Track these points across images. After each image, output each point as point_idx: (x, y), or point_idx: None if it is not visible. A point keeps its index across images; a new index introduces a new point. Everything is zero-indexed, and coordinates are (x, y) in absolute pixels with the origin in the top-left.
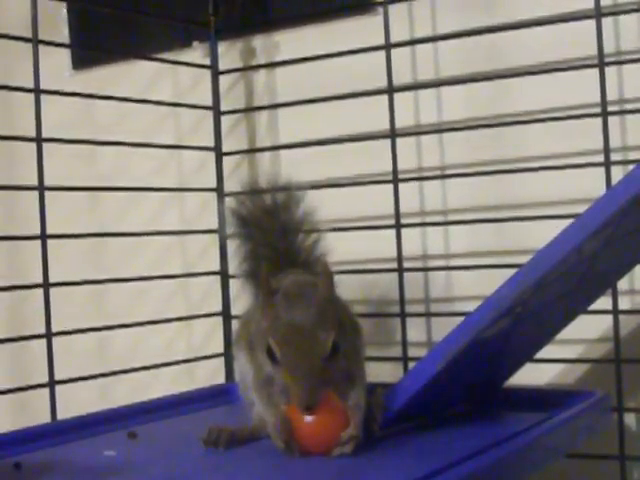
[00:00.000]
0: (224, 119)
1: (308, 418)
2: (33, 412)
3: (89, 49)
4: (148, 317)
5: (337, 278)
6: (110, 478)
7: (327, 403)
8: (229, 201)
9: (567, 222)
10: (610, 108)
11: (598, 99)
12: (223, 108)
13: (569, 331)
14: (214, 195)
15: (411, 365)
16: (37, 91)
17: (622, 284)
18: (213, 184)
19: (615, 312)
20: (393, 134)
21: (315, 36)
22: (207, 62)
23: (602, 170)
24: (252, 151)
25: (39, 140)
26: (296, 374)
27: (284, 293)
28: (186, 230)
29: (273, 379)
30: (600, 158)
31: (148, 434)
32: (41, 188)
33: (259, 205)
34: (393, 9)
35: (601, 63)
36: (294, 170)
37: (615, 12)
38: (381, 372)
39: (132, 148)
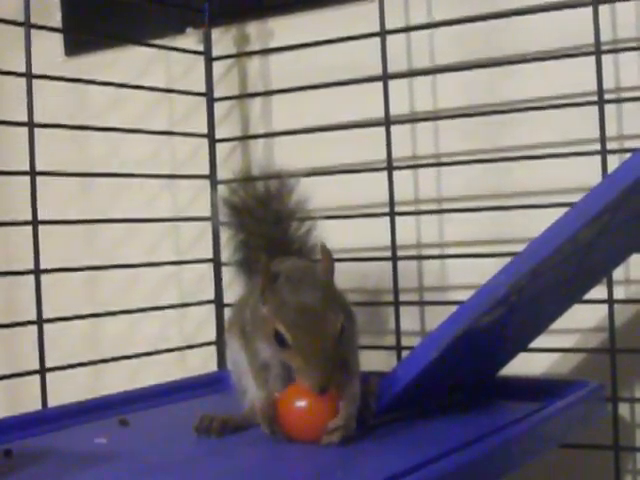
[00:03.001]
0: (217, 106)
1: (299, 404)
2: (24, 400)
3: (82, 34)
4: (140, 305)
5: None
6: (101, 465)
7: None
8: (222, 189)
9: (563, 211)
10: (607, 96)
11: (594, 87)
12: (216, 95)
13: (564, 320)
14: (207, 182)
15: (405, 354)
16: (29, 76)
17: (617, 273)
18: (206, 171)
19: (610, 301)
20: (388, 122)
21: (309, 23)
22: (200, 48)
23: (598, 159)
24: (245, 138)
25: (31, 125)
26: (309, 357)
27: (287, 277)
28: (179, 217)
29: (269, 366)
30: (596, 147)
31: (140, 422)
32: (32, 173)
33: (252, 193)
34: None
35: (598, 51)
36: (287, 157)
37: (612, 0)
38: (374, 361)
39: (124, 134)
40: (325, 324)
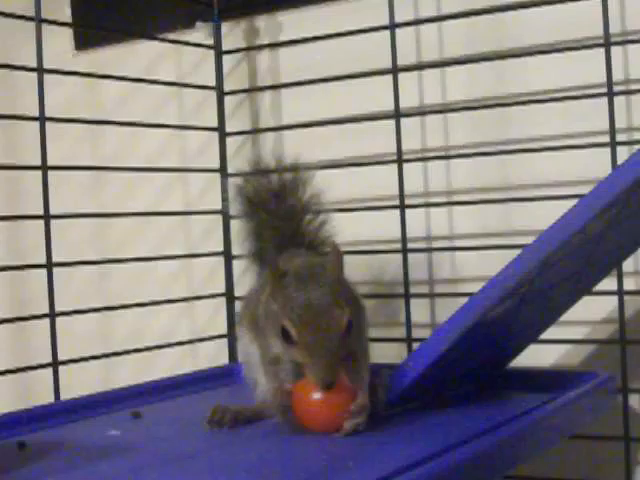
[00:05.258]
0: (227, 99)
1: (315, 396)
2: (36, 395)
3: (92, 29)
4: (151, 298)
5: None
6: (114, 457)
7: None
8: (233, 182)
9: (572, 203)
10: (616, 88)
11: (604, 79)
12: (226, 88)
13: (574, 312)
14: (218, 176)
15: (415, 346)
16: (40, 70)
17: (627, 265)
18: (217, 165)
19: (620, 293)
20: (397, 114)
21: (319, 16)
22: (210, 42)
23: (608, 151)
24: (256, 132)
25: (42, 119)
26: (314, 353)
27: (295, 274)
28: (190, 211)
29: (281, 359)
30: (606, 139)
31: (152, 414)
32: (44, 167)
33: (264, 186)
34: None
35: (607, 43)
36: (297, 151)
37: None
38: (385, 353)
39: (136, 129)
40: (330, 320)
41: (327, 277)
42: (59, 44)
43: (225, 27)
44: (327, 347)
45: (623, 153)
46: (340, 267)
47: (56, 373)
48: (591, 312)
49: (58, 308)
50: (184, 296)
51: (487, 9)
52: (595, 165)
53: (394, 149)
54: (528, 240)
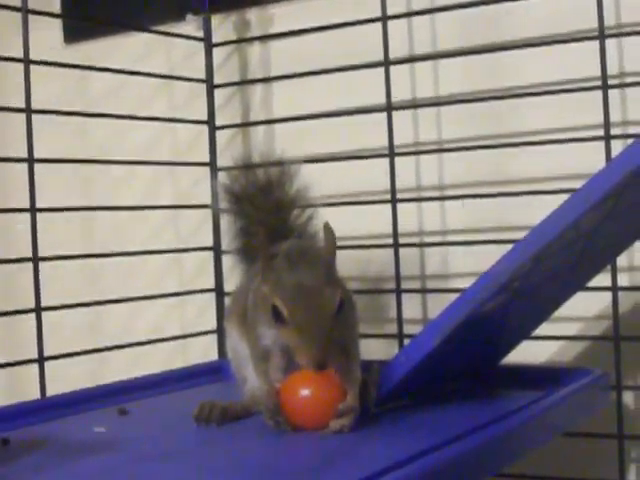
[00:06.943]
0: (218, 92)
1: (304, 392)
2: (23, 390)
3: (81, 21)
4: (140, 293)
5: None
6: (100, 454)
7: (323, 377)
8: (222, 177)
9: (565, 197)
10: (610, 82)
11: (598, 72)
12: (217, 81)
13: (567, 308)
14: (207, 170)
15: (406, 342)
16: (27, 61)
17: (621, 261)
18: (206, 158)
19: (614, 289)
20: (389, 108)
21: (310, 9)
22: (200, 35)
23: (602, 144)
24: (246, 125)
25: (28, 111)
26: (305, 332)
27: (286, 254)
28: (179, 205)
29: (270, 354)
30: (600, 132)
31: (139, 411)
32: (30, 160)
33: (252, 181)
34: None
35: (601, 35)
36: (288, 144)
37: None
38: (376, 349)
39: (125, 122)
40: (322, 299)
41: (319, 258)
42: (48, 36)
43: (215, 19)
44: (319, 327)
45: (617, 147)
46: (334, 246)
47: (42, 369)
48: (585, 308)
49: (47, 303)
50: (173, 291)
51: (481, 1)
52: (589, 159)
53: (386, 143)
54: (521, 235)
